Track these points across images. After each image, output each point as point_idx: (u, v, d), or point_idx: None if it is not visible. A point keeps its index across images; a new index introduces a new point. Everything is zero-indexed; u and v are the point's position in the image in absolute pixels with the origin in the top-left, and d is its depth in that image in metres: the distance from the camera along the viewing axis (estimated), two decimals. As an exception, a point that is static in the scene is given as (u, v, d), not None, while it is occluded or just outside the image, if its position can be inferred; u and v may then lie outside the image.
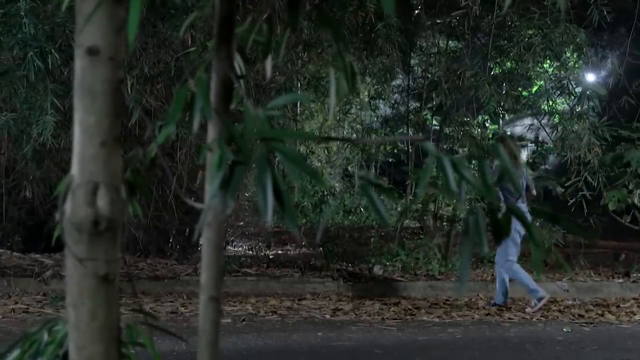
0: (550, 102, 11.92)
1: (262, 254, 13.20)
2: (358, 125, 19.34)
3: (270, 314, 8.93)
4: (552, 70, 12.08)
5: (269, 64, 2.29)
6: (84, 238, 1.87)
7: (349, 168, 22.32)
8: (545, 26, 10.44)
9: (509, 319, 8.99)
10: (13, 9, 8.08)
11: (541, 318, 9.03)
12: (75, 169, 1.88)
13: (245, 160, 1.78)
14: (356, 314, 9.02)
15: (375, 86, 15.24)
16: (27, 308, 8.66)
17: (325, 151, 21.91)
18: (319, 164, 21.56)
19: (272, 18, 2.26)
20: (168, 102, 9.25)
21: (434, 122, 17.34)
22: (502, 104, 12.52)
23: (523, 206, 9.34)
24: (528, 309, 9.38)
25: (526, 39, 10.87)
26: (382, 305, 9.65)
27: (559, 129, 10.98)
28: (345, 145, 20.06)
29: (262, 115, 1.85)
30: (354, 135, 19.93)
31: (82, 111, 1.86)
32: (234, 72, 2.06)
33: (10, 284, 9.73)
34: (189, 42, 8.81)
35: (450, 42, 14.42)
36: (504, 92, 12.73)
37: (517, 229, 9.24)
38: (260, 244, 14.52)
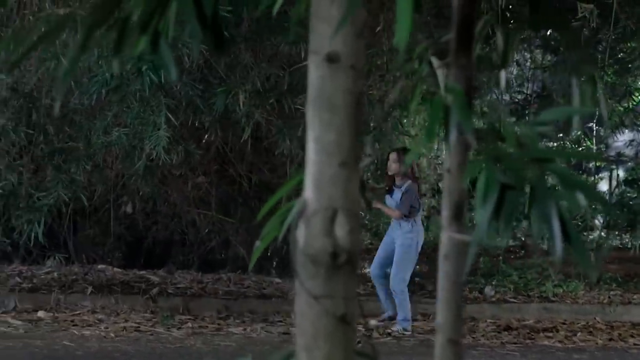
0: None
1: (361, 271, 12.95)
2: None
3: (385, 335, 8.67)
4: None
5: (503, 74, 2.03)
6: (320, 272, 1.63)
7: (439, 185, 21.95)
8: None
9: (635, 344, 8.58)
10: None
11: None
12: (309, 192, 1.64)
13: (519, 184, 1.52)
14: (473, 337, 8.70)
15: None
16: (138, 327, 8.53)
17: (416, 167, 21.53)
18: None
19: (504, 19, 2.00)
20: (279, 117, 9.08)
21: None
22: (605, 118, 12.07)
23: (396, 225, 9.01)
24: (373, 321, 8.98)
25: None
26: (496, 327, 9.31)
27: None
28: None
29: (532, 131, 1.60)
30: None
31: (320, 127, 1.63)
32: (473, 81, 1.81)
33: (118, 301, 9.63)
34: (302, 55, 8.62)
35: (546, 55, 14.03)
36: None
37: (418, 243, 9.00)
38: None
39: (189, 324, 8.73)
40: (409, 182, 8.96)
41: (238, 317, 9.23)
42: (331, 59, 1.62)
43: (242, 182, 11.21)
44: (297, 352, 1.69)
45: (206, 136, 9.88)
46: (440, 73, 2.39)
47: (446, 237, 1.81)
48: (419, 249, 9.01)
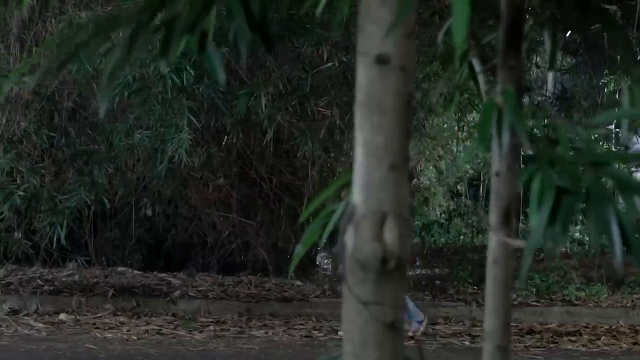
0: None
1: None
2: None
3: (407, 339, 8.61)
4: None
5: (550, 77, 1.99)
6: (369, 278, 1.60)
7: (458, 187, 21.81)
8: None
9: (660, 348, 8.51)
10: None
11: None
12: (357, 196, 1.61)
13: (575, 187, 1.48)
14: (496, 341, 8.62)
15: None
16: (160, 329, 8.51)
17: (434, 169, 21.38)
18: (428, 182, 21.06)
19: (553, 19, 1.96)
20: (301, 120, 9.05)
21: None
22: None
23: None
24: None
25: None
26: (519, 331, 9.25)
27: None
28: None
29: (587, 134, 1.56)
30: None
31: (369, 129, 1.60)
32: (523, 83, 1.77)
33: (139, 303, 9.62)
34: (324, 57, 8.59)
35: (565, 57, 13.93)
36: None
37: None
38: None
39: (211, 327, 8.71)
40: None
41: (259, 319, 9.20)
42: (381, 60, 1.58)
43: (262, 184, 11.18)
44: (344, 359, 1.66)
45: (227, 138, 9.85)
46: (481, 75, 2.34)
47: (495, 241, 1.77)
48: None
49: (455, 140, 18.98)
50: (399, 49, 1.59)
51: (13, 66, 9.21)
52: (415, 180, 16.89)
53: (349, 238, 1.62)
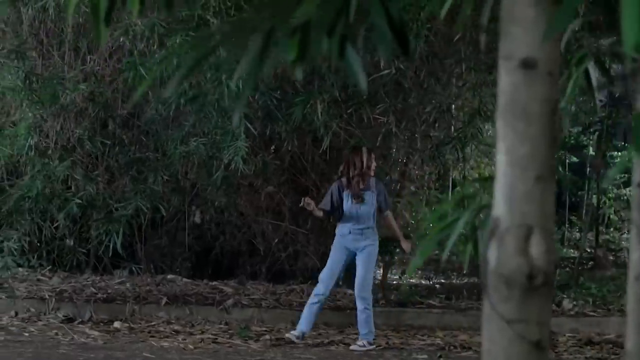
0: None
1: (436, 283, 12.81)
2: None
3: (465, 349, 8.50)
4: None
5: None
6: (514, 295, 1.51)
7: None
8: None
9: None
10: (206, 32, 7.96)
11: None
12: (500, 208, 1.52)
13: None
14: (556, 352, 8.49)
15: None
16: (216, 338, 8.46)
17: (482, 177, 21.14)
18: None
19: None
20: (357, 127, 8.98)
21: (591, 148, 16.58)
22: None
23: (369, 232, 8.26)
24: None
25: None
26: (577, 342, 9.10)
27: None
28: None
29: None
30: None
31: (513, 137, 1.51)
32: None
33: (192, 312, 9.58)
34: (381, 64, 8.51)
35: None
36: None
37: (345, 246, 8.25)
38: (420, 272, 14.15)
39: (267, 336, 8.64)
40: (373, 178, 8.35)
41: (314, 329, 9.11)
42: (527, 65, 1.50)
43: (314, 191, 11.10)
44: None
45: (282, 146, 9.79)
46: (594, 79, 2.24)
47: (638, 257, 1.68)
48: None
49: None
50: (546, 52, 1.51)
51: (68, 74, 9.23)
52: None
53: (491, 252, 1.54)
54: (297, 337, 8.26)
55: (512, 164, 1.53)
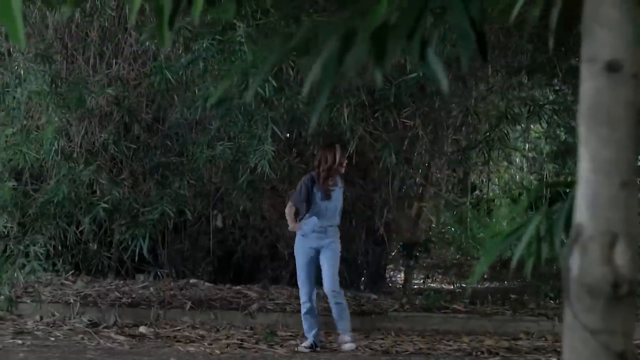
0: None
1: (459, 288, 12.73)
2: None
3: (492, 355, 8.44)
4: None
5: None
6: (598, 304, 1.47)
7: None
8: None
9: None
10: (231, 37, 7.94)
11: None
12: (584, 215, 1.48)
13: None
14: None
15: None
16: (241, 343, 8.43)
17: (501, 180, 21.01)
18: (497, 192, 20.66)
19: None
20: (384, 131, 8.93)
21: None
22: None
23: (332, 230, 8.24)
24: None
25: None
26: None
27: None
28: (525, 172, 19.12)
29: None
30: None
31: (596, 142, 1.47)
32: None
33: (217, 316, 9.55)
34: (407, 68, 8.46)
35: None
36: None
37: (309, 245, 8.23)
38: (441, 276, 14.12)
39: (292, 341, 8.60)
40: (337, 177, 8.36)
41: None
42: (612, 67, 1.46)
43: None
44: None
45: (306, 149, 9.76)
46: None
47: None
48: None
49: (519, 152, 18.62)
50: (631, 54, 1.47)
51: (93, 78, 9.22)
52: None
53: (574, 261, 1.49)
54: (308, 348, 8.23)
55: (596, 169, 1.49)
